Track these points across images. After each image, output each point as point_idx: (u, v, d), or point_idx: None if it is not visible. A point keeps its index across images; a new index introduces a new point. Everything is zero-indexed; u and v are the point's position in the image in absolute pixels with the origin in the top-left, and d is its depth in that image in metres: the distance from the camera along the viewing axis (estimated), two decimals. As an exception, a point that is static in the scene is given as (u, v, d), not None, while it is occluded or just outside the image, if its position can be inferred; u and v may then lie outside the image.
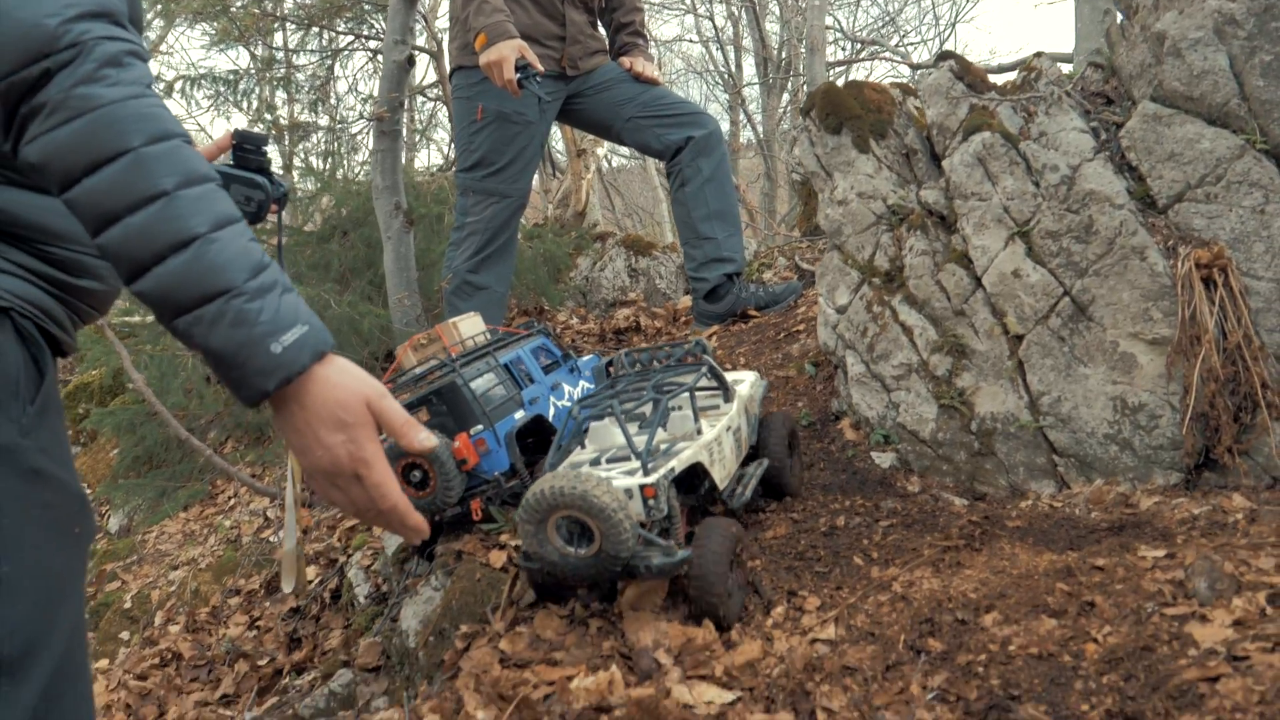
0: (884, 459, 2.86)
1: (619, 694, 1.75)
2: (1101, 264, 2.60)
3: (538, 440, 2.74)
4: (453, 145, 6.50)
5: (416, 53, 5.08)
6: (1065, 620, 1.83)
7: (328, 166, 6.56)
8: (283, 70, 7.83)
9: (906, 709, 1.71)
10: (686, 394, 2.27)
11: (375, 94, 6.42)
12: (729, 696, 1.82)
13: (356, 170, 6.90)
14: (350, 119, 7.42)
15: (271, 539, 4.23)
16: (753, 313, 4.40)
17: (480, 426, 2.43)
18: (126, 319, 5.34)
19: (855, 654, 1.91)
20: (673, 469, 2.06)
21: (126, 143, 1.04)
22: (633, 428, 2.26)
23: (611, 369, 2.84)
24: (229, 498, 4.84)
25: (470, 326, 2.77)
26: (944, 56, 3.15)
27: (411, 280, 4.67)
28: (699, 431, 2.25)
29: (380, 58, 6.93)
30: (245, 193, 1.70)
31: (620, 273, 5.77)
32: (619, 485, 1.97)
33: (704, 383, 2.45)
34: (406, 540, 1.47)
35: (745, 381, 2.70)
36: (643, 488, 1.98)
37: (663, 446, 2.21)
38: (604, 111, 4.35)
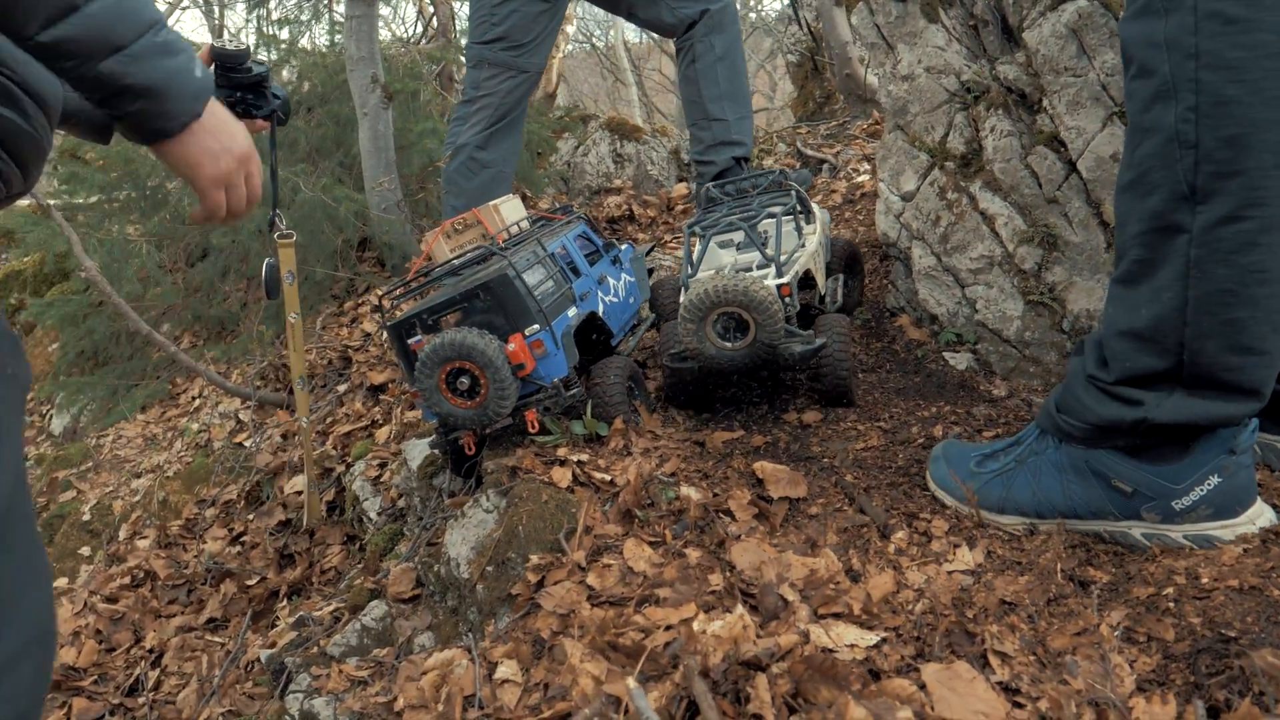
0: (959, 360, 2.61)
1: (762, 643, 1.49)
2: (1213, 147, 2.33)
3: (582, 341, 2.42)
4: (417, 14, 5.96)
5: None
6: (1250, 545, 1.62)
7: (288, 35, 5.96)
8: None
9: (1095, 653, 1.48)
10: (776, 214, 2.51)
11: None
12: (872, 638, 1.58)
13: (320, 39, 6.30)
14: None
15: (246, 443, 3.87)
16: None
17: (536, 326, 2.10)
18: (71, 199, 4.79)
19: (1006, 586, 1.68)
20: (796, 272, 2.36)
21: None
22: (732, 251, 2.57)
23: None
24: (193, 398, 4.43)
25: (512, 211, 2.42)
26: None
27: (390, 162, 4.25)
28: (803, 245, 2.54)
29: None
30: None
31: (605, 158, 5.38)
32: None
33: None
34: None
35: (816, 208, 2.89)
36: (779, 287, 2.26)
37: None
38: None
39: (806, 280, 2.55)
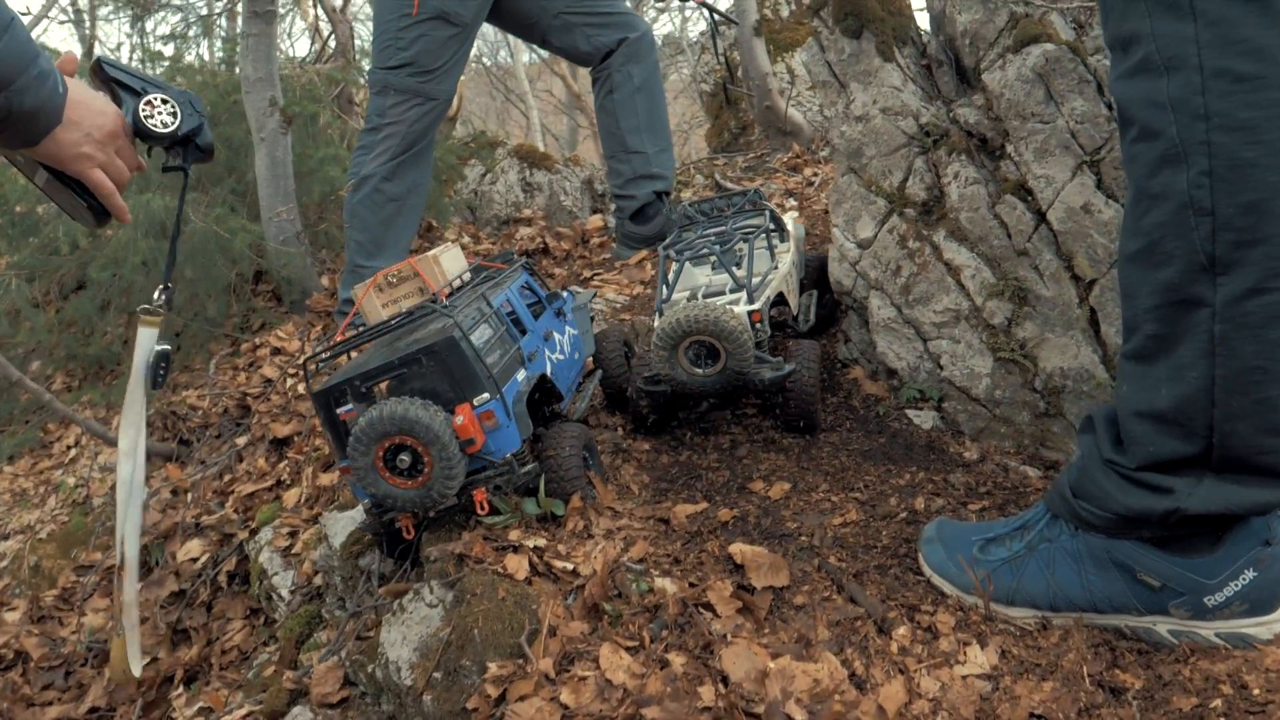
0: (923, 419, 2.48)
1: (782, 784, 1.29)
2: (1183, 199, 2.26)
3: (530, 407, 2.16)
4: (312, 32, 5.62)
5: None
6: (1295, 648, 1.50)
7: (173, 51, 5.53)
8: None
9: (1148, 782, 1.33)
10: (753, 234, 2.56)
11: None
12: (894, 764, 1.40)
13: (209, 57, 5.87)
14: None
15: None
16: None
17: (486, 395, 1.87)
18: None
19: (1030, 694, 1.52)
20: (768, 297, 2.41)
21: None
22: (707, 269, 2.64)
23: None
24: (68, 447, 4.01)
25: (452, 262, 2.18)
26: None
27: (289, 190, 3.94)
28: (775, 267, 2.58)
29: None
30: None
31: (513, 186, 5.16)
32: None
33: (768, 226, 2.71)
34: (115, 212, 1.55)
35: (790, 223, 2.95)
36: (750, 313, 2.30)
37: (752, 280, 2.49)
38: (531, 6, 3.76)
39: (780, 299, 2.55)
